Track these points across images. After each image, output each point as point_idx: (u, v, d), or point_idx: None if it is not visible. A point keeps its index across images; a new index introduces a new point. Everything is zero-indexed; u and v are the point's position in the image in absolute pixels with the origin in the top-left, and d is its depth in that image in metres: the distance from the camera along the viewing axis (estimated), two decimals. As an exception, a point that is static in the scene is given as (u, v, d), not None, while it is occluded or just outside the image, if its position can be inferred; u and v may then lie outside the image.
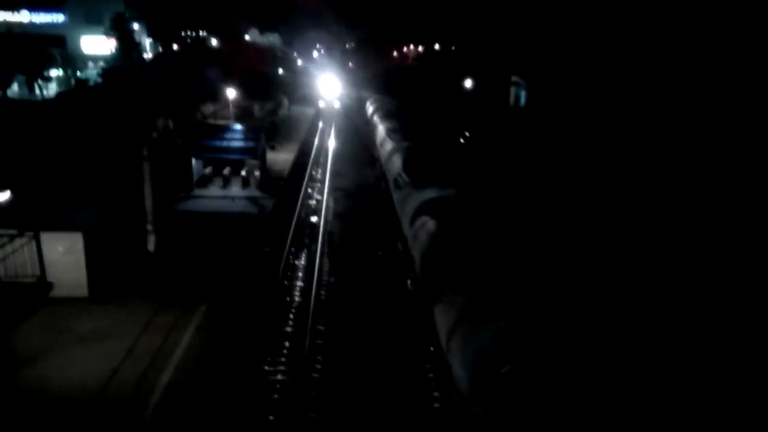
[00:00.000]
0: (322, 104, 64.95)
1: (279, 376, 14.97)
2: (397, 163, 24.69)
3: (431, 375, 14.99)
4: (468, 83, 56.87)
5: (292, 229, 25.10)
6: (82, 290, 17.53)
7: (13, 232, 15.77)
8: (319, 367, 15.44)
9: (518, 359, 9.89)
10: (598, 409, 9.26)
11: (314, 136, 48.35)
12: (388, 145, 29.06)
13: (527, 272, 13.18)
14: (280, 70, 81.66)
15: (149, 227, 20.89)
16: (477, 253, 14.10)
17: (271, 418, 13.38)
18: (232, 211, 27.27)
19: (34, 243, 16.34)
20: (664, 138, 27.37)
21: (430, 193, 18.93)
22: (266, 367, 15.26)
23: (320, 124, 53.60)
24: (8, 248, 15.72)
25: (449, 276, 13.62)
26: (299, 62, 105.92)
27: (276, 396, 14.18)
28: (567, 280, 14.12)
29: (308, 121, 56.16)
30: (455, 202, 18.15)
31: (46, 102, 30.61)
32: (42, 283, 16.24)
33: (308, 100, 67.87)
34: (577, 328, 11.02)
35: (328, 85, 71.68)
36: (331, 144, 43.98)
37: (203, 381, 14.13)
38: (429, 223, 16.85)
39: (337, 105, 66.59)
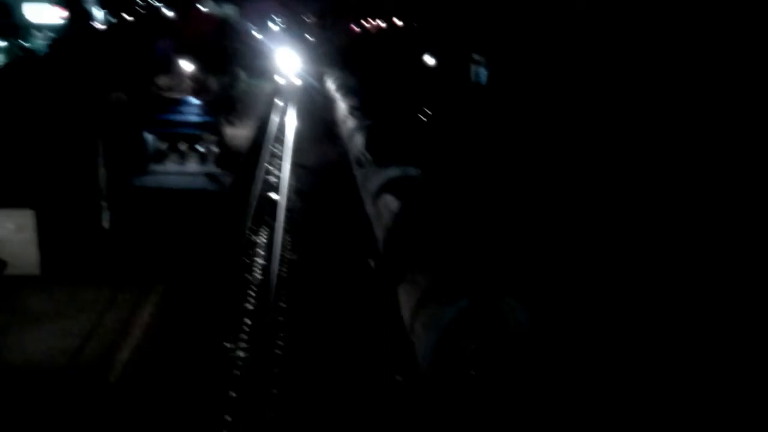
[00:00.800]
0: (281, 81, 63.42)
1: (239, 353, 15.03)
2: (359, 141, 24.59)
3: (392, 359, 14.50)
4: (429, 60, 56.84)
5: (252, 207, 24.93)
6: (35, 269, 17.12)
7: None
8: (280, 343, 15.54)
9: (483, 338, 10.03)
10: (569, 388, 9.45)
11: (274, 113, 47.71)
12: (351, 123, 28.97)
13: (490, 251, 13.27)
14: (237, 43, 79.77)
15: (103, 204, 20.42)
16: (439, 231, 14.16)
17: (232, 394, 13.44)
18: (189, 187, 26.82)
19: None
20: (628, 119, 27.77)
21: (393, 172, 18.94)
22: (226, 344, 15.29)
23: (279, 102, 52.69)
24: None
25: (412, 255, 13.63)
26: (257, 35, 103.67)
27: (236, 372, 14.25)
28: (531, 256, 14.41)
29: (267, 96, 55.36)
30: (418, 181, 18.23)
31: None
32: (-7, 262, 15.78)
33: (267, 74, 66.66)
34: (542, 303, 11.27)
35: (287, 60, 69.92)
36: (292, 121, 43.53)
37: (161, 360, 14.05)
38: (391, 202, 16.89)
39: (297, 82, 64.96)
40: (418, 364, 11.71)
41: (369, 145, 23.00)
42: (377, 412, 12.90)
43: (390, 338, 15.28)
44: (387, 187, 18.12)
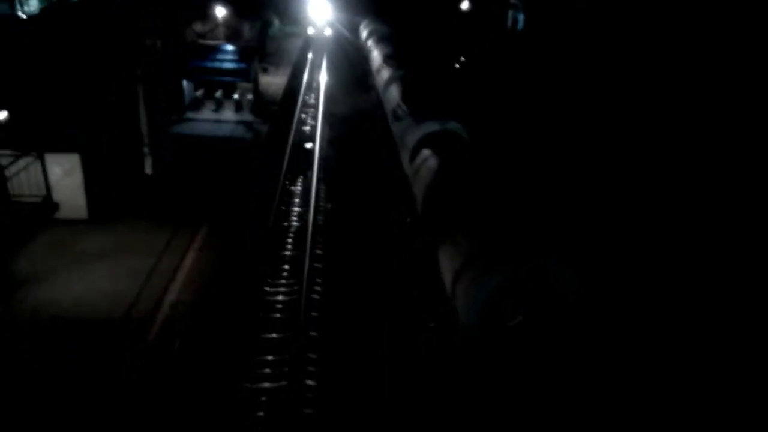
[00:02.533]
0: (311, 31, 61.24)
1: (279, 297, 15.51)
2: (395, 92, 23.66)
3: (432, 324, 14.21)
4: (465, 4, 55.21)
5: (287, 155, 25.10)
6: (82, 212, 17.65)
7: (16, 152, 15.66)
8: (318, 289, 15.95)
9: (528, 311, 9.68)
10: (609, 369, 9.41)
11: (307, 62, 47.25)
12: (386, 73, 27.85)
13: (535, 213, 12.75)
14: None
15: (145, 150, 20.80)
16: (482, 192, 13.56)
17: (273, 335, 13.95)
18: (225, 134, 27.08)
19: (32, 164, 16.26)
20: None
21: (432, 126, 18.09)
22: (267, 288, 15.78)
23: (311, 52, 51.90)
24: (12, 168, 15.68)
25: (454, 216, 13.09)
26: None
27: (276, 315, 14.74)
28: (578, 223, 14.01)
29: (300, 44, 54.63)
30: (459, 137, 17.41)
31: (32, 18, 29.47)
32: (48, 203, 16.31)
33: (299, 21, 65.70)
34: (591, 277, 10.75)
35: (318, 9, 68.44)
36: (325, 71, 43.10)
37: (207, 299, 14.57)
38: (431, 159, 16.15)
39: (329, 31, 63.13)
40: (458, 328, 11.44)
41: (405, 96, 21.99)
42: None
43: (430, 301, 14.68)
44: (425, 143, 17.41)
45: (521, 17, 50.94)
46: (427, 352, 13.22)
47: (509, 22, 53.05)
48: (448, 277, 12.14)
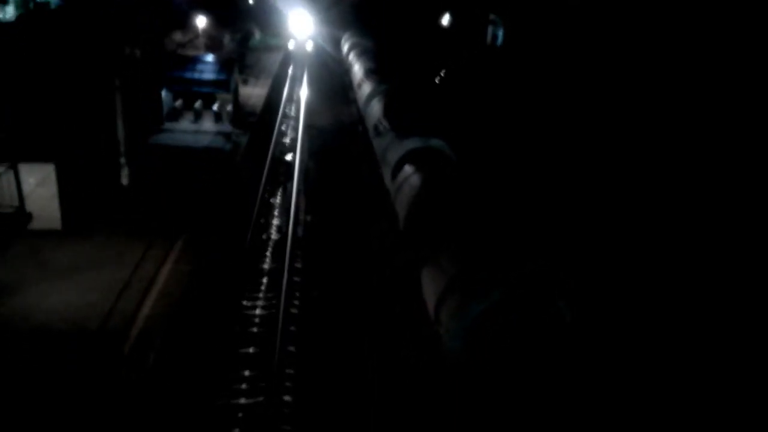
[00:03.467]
0: (291, 45, 59.64)
1: (257, 311, 15.35)
2: (376, 107, 23.37)
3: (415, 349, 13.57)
4: (445, 20, 55.78)
5: (266, 167, 24.99)
6: (56, 223, 17.35)
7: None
8: (296, 302, 15.83)
9: (516, 339, 9.35)
10: (610, 407, 9.17)
11: (287, 74, 47.23)
12: (367, 88, 27.64)
13: (524, 236, 12.29)
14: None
15: (122, 160, 20.55)
16: (467, 212, 13.16)
17: (250, 350, 13.79)
18: (204, 145, 26.88)
19: (5, 175, 15.94)
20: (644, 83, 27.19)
21: (414, 143, 17.85)
22: (244, 302, 15.62)
23: (293, 64, 51.59)
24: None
25: (437, 236, 12.71)
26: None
27: (254, 329, 14.58)
28: (566, 243, 13.81)
29: (281, 56, 54.59)
30: (442, 155, 17.11)
31: (7, 25, 29.06)
32: (21, 214, 15.98)
33: (280, 32, 65.69)
34: (580, 300, 10.41)
35: (299, 22, 67.39)
36: (305, 83, 43.09)
37: (183, 313, 14.36)
38: (413, 177, 15.93)
39: (310, 46, 61.48)
40: (444, 356, 10.97)
41: (387, 112, 21.74)
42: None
43: (411, 325, 14.13)
44: (408, 159, 17.17)
45: (501, 33, 51.64)
46: (409, 375, 12.87)
47: (489, 38, 53.74)
48: (431, 300, 11.73)
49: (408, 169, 16.67)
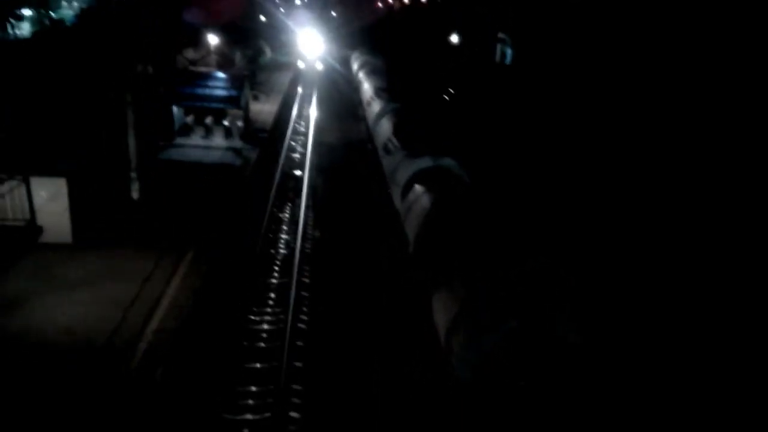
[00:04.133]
0: (302, 65, 57.95)
1: (264, 326, 15.33)
2: (386, 126, 23.17)
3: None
4: (454, 39, 56.21)
5: (275, 183, 25.10)
6: (66, 237, 17.48)
7: (1, 176, 15.53)
8: (303, 318, 15.79)
9: (534, 372, 8.95)
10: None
11: (297, 92, 47.54)
12: (376, 106, 27.41)
13: (539, 261, 11.79)
14: (261, 17, 79.61)
15: (133, 174, 20.71)
16: (479, 235, 12.70)
17: (257, 365, 13.74)
18: (214, 161, 27.09)
19: (17, 188, 16.12)
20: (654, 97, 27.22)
21: (424, 162, 17.52)
22: (251, 317, 15.60)
23: (302, 83, 51.34)
24: (-3, 191, 15.56)
25: (449, 260, 12.30)
26: (281, 9, 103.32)
27: (262, 343, 14.55)
28: (585, 269, 13.43)
29: (290, 73, 54.93)
30: (453, 175, 16.72)
31: (22, 42, 29.65)
32: (32, 227, 16.13)
33: (291, 50, 66.17)
34: (600, 327, 10.04)
35: (309, 42, 64.16)
36: (315, 102, 43.35)
37: (191, 327, 14.37)
38: (424, 197, 15.60)
39: (320, 65, 59.75)
40: (455, 386, 10.60)
41: (397, 130, 21.45)
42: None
43: (423, 355, 13.64)
44: (418, 179, 16.84)
45: (509, 51, 51.91)
46: (418, 400, 12.48)
47: (498, 56, 54.03)
48: (442, 327, 11.28)
49: (418, 189, 16.35)
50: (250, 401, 12.56)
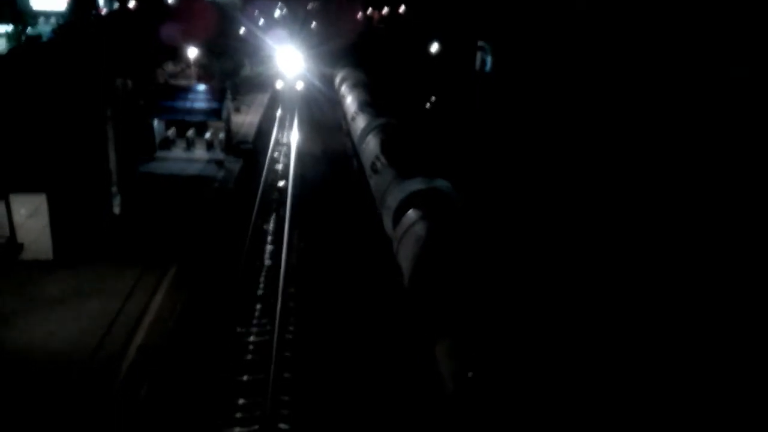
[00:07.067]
0: (280, 85, 53.23)
1: (251, 338, 15.17)
2: (373, 143, 21.77)
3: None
4: (434, 48, 56.55)
5: (259, 193, 24.97)
6: (47, 253, 17.22)
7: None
8: (289, 337, 15.66)
9: None
10: None
11: (277, 104, 47.21)
12: (361, 121, 25.74)
13: (563, 306, 10.79)
14: (241, 29, 79.54)
15: (114, 189, 20.48)
16: (485, 272, 11.34)
17: (244, 378, 13.58)
18: (196, 173, 26.90)
19: (-5, 205, 15.86)
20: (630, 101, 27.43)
21: (417, 184, 16.12)
22: (239, 329, 15.43)
23: (282, 97, 48.62)
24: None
25: (452, 302, 10.84)
26: (261, 21, 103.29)
27: (249, 357, 14.39)
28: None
29: (271, 86, 54.19)
30: (449, 199, 15.46)
31: (-3, 58, 29.28)
32: (12, 244, 15.86)
33: (270, 62, 65.80)
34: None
35: (288, 59, 59.21)
36: (296, 115, 43.05)
37: (176, 343, 14.17)
38: (418, 225, 14.31)
39: (300, 86, 54.74)
40: None
41: (385, 148, 20.11)
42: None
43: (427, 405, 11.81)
44: (410, 203, 15.52)
45: (489, 59, 52.35)
46: None
47: (478, 64, 54.45)
48: (450, 382, 9.81)
49: (411, 215, 15.02)
50: (239, 414, 12.40)
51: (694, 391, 11.55)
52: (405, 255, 14.06)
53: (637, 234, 18.83)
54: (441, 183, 16.16)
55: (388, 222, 16.46)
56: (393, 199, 16.34)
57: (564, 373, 9.37)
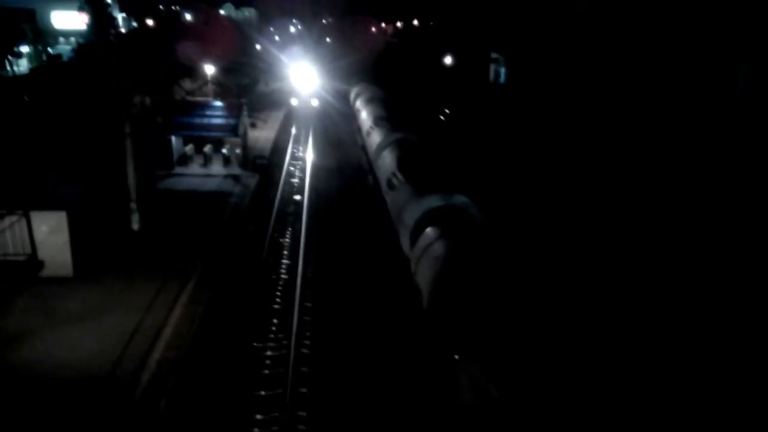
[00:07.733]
0: (295, 102, 52.35)
1: (268, 352, 15.21)
2: (389, 159, 21.33)
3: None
4: (448, 60, 56.76)
5: (275, 208, 25.12)
6: (67, 270, 17.43)
7: (1, 211, 15.52)
8: (307, 342, 15.67)
9: None
10: None
11: (292, 121, 47.57)
12: (377, 136, 25.20)
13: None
14: (257, 46, 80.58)
15: (133, 205, 20.74)
16: (509, 292, 10.91)
17: (262, 392, 13.61)
18: (213, 189, 27.15)
19: (17, 223, 16.09)
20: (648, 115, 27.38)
21: (435, 201, 15.70)
22: (255, 343, 15.48)
23: (297, 114, 47.27)
24: (-3, 227, 15.52)
25: (475, 325, 10.49)
26: (276, 37, 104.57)
27: (266, 371, 14.42)
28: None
29: (286, 103, 54.28)
30: (470, 218, 15.08)
31: (20, 78, 29.95)
32: (33, 261, 16.05)
33: (285, 79, 66.36)
34: None
35: (303, 75, 57.00)
36: (310, 132, 43.25)
37: (194, 357, 14.25)
38: (437, 244, 13.85)
39: (315, 103, 53.05)
40: None
41: (402, 164, 19.62)
42: None
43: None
44: (429, 221, 15.07)
45: (503, 71, 52.40)
46: None
47: (492, 76, 54.52)
48: (468, 396, 9.84)
49: (430, 233, 14.56)
50: (256, 430, 12.41)
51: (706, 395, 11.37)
52: (423, 276, 13.64)
53: (667, 255, 18.32)
54: (460, 199, 15.76)
55: (405, 240, 16.04)
56: (410, 217, 15.94)
57: (593, 398, 9.19)
